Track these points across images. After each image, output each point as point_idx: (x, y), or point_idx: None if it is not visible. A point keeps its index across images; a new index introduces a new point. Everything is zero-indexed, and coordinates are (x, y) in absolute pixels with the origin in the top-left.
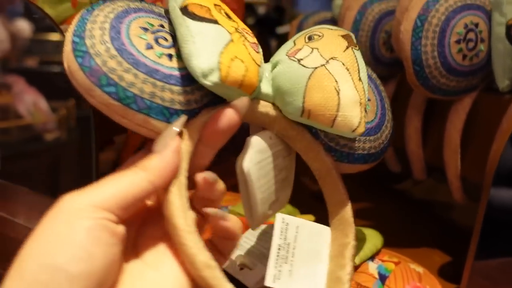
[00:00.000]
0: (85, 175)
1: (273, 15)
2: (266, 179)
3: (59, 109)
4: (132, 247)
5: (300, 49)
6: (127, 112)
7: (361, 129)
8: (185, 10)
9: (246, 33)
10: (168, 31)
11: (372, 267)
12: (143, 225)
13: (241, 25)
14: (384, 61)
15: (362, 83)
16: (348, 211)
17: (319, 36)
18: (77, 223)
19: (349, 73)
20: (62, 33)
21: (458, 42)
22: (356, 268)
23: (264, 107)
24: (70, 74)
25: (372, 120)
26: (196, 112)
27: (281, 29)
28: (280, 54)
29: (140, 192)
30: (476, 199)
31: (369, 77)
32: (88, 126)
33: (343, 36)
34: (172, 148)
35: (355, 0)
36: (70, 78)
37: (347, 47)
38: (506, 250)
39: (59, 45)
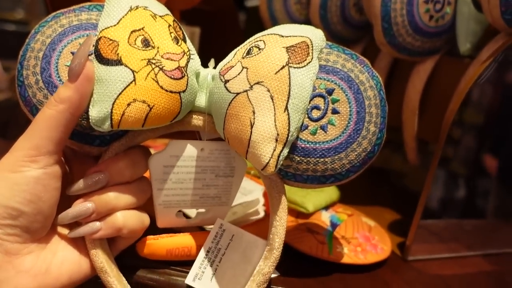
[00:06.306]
0: None
1: None
2: (175, 185)
3: (11, 68)
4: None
5: (233, 67)
6: None
7: (271, 169)
8: (95, 49)
9: (168, 58)
10: None
11: (325, 216)
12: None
13: (174, 33)
14: (353, 23)
15: (289, 114)
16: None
17: (259, 49)
18: (27, 173)
19: (273, 102)
20: None
21: (426, 2)
22: (309, 216)
23: (196, 120)
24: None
25: (334, 138)
26: (120, 135)
27: (250, 2)
28: (220, 66)
29: (67, 125)
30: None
31: (349, 81)
32: None
33: (288, 49)
34: (84, 76)
35: None
36: None
37: (283, 67)
38: (452, 212)
39: (15, 3)
